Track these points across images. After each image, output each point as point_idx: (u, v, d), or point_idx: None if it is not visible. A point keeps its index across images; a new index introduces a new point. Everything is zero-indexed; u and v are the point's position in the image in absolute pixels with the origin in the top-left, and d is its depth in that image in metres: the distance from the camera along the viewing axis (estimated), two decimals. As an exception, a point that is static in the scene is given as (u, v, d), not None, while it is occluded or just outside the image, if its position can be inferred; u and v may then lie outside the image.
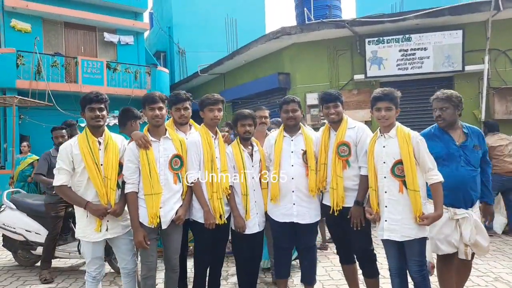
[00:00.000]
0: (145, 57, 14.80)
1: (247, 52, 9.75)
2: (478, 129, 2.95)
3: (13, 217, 4.45)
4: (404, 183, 2.54)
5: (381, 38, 7.94)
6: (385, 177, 2.61)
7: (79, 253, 4.16)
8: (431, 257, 3.01)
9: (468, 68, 7.55)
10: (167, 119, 3.40)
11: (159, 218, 2.75)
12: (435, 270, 3.12)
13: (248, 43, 9.73)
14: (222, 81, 12.14)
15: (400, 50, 7.87)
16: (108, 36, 13.58)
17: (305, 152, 3.00)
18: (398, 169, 2.56)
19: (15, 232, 4.39)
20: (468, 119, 7.79)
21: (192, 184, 2.90)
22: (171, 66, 16.60)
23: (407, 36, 7.81)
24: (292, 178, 2.96)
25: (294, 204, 2.97)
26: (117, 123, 3.60)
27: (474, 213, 2.79)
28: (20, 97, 9.26)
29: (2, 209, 4.64)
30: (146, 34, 16.65)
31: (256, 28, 16.42)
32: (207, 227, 2.87)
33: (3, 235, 4.63)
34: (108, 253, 3.69)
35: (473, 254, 2.82)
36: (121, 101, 12.37)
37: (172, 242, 2.88)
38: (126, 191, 2.77)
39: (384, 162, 2.63)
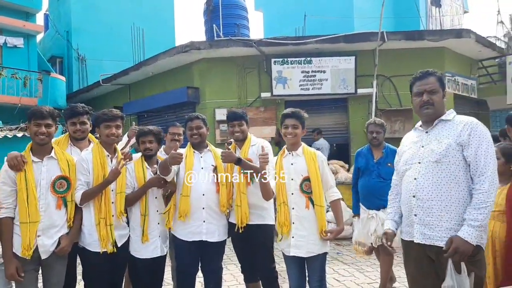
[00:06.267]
0: (38, 62, 13.36)
1: (155, 63, 9.44)
2: (396, 150, 3.58)
3: None
4: (310, 199, 2.67)
5: (285, 59, 8.39)
6: (292, 194, 2.71)
7: None
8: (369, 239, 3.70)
9: (360, 91, 8.39)
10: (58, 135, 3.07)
11: (32, 250, 2.40)
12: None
13: (156, 54, 9.44)
14: (127, 92, 11.52)
15: (302, 72, 8.41)
16: (-9, 36, 11.95)
17: (215, 168, 2.96)
18: (305, 186, 2.69)
19: None
20: (360, 136, 8.63)
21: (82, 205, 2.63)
22: (69, 73, 15.22)
23: (308, 59, 8.39)
24: (203, 195, 2.88)
25: (204, 221, 2.88)
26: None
27: (384, 213, 3.40)
28: None
29: None
30: (39, 37, 15.05)
31: (165, 40, 16.02)
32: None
33: None
34: None
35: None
36: (6, 110, 10.97)
37: (54, 275, 2.53)
38: None
39: (292, 179, 2.72)
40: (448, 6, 16.11)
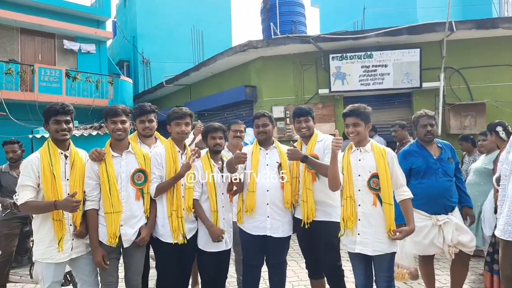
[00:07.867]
0: (108, 66, 14.40)
1: (213, 64, 9.72)
2: (449, 144, 3.35)
3: None
4: (378, 196, 2.56)
5: (344, 54, 8.18)
6: (359, 190, 2.61)
7: (31, 277, 3.84)
8: (414, 262, 3.27)
9: (425, 85, 7.93)
10: (131, 132, 3.30)
11: (119, 238, 2.64)
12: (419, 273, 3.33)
13: (214, 55, 9.72)
14: (188, 93, 12.01)
15: (362, 66, 8.14)
16: (68, 44, 13.09)
17: (280, 165, 2.99)
18: (373, 182, 2.58)
19: None
20: (425, 133, 8.18)
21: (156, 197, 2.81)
22: (135, 76, 16.24)
23: (368, 53, 8.10)
24: (267, 191, 2.94)
25: (268, 217, 2.94)
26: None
27: (454, 216, 3.15)
28: (-31, 105, 8.67)
29: None
30: (108, 43, 16.23)
31: (223, 40, 16.49)
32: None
33: None
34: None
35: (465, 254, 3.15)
36: (81, 111, 11.92)
37: (134, 262, 2.76)
38: (86, 208, 2.63)
39: (359, 175, 2.63)
40: (525, -11, 14.65)
